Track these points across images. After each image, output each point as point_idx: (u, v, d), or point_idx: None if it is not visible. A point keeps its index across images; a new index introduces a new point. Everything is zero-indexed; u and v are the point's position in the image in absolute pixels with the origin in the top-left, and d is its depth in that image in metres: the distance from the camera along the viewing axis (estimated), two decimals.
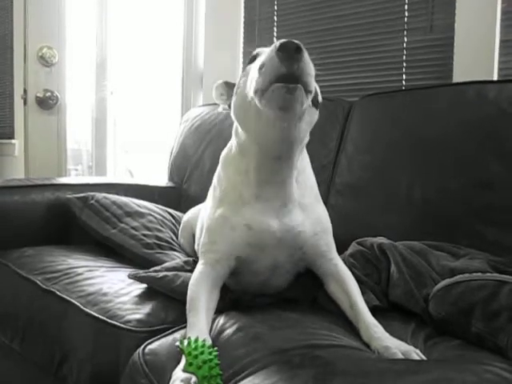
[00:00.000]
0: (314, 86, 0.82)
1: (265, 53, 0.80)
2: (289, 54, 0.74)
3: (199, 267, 0.92)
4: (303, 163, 0.97)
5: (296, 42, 0.74)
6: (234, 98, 0.92)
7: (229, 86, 0.99)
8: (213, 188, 1.02)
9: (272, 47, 0.76)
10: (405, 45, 1.71)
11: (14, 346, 1.16)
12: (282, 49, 0.74)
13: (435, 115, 1.30)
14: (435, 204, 1.21)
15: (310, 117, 0.87)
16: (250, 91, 0.82)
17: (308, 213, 0.95)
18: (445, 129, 1.26)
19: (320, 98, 0.92)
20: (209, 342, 0.76)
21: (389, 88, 1.69)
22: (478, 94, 1.24)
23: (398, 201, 1.27)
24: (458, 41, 1.57)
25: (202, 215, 1.17)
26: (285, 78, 0.75)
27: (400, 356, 0.74)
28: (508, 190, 1.12)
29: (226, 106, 1.01)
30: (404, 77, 1.72)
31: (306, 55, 0.75)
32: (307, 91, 0.78)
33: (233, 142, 0.99)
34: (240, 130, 0.93)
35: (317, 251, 0.95)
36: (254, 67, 0.82)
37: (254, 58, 0.88)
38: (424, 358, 0.74)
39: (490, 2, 1.51)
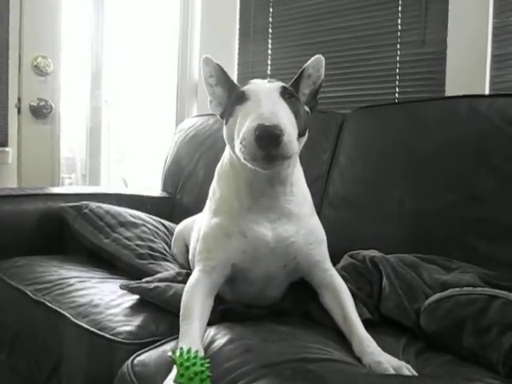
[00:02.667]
0: (297, 143, 0.83)
1: (248, 112, 0.82)
2: (267, 143, 0.77)
3: (195, 274, 0.92)
4: (297, 176, 0.99)
5: (275, 129, 0.76)
6: (225, 127, 0.93)
7: (222, 72, 0.97)
8: (208, 200, 1.04)
9: (251, 128, 0.78)
10: (398, 58, 1.73)
11: (2, 357, 1.14)
12: (259, 139, 0.76)
13: (427, 128, 1.31)
14: (427, 217, 1.21)
15: (298, 145, 0.88)
16: (235, 148, 0.84)
17: (302, 224, 0.96)
18: (436, 142, 1.27)
19: (306, 134, 0.93)
20: (201, 353, 0.76)
21: (382, 101, 1.71)
22: (470, 107, 1.25)
23: (390, 213, 1.28)
24: (451, 55, 1.59)
25: (197, 226, 1.17)
26: (264, 157, 0.79)
27: (391, 371, 0.74)
28: (499, 204, 1.12)
29: (218, 116, 1.01)
30: (397, 90, 1.74)
31: (285, 137, 0.77)
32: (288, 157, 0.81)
33: (226, 155, 1.00)
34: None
35: (311, 261, 0.96)
36: (241, 120, 0.84)
37: (241, 97, 0.88)
38: (415, 373, 0.74)
39: (482, 16, 1.53)
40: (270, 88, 0.88)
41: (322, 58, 0.98)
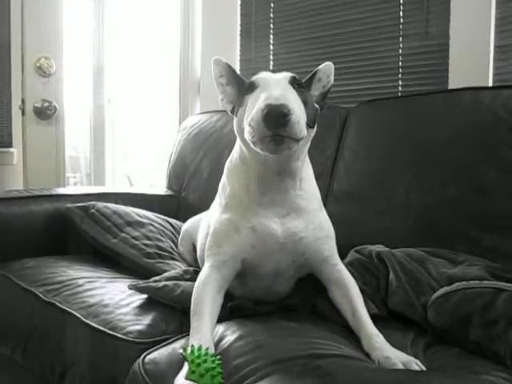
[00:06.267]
0: (306, 128, 0.84)
1: (258, 97, 0.83)
2: (275, 121, 0.77)
3: (205, 270, 0.93)
4: (307, 171, 0.99)
5: (283, 107, 0.76)
6: (235, 119, 0.94)
7: (231, 71, 1.00)
8: (218, 195, 1.04)
9: (259, 109, 0.78)
10: (401, 51, 1.72)
11: (17, 357, 1.16)
12: (267, 118, 0.77)
13: (431, 121, 1.31)
14: (432, 210, 1.22)
15: (307, 137, 0.89)
16: (245, 132, 0.84)
17: (311, 219, 0.96)
18: (440, 135, 1.26)
19: (315, 128, 0.94)
20: (212, 349, 0.76)
21: (385, 94, 1.70)
22: (474, 100, 1.25)
23: (395, 207, 1.28)
24: (454, 47, 1.59)
25: (204, 223, 1.18)
26: (272, 138, 0.79)
27: (400, 366, 0.74)
28: (503, 196, 1.12)
29: (229, 112, 1.02)
30: (400, 83, 1.73)
31: (293, 117, 0.77)
32: (296, 139, 0.81)
33: (236, 150, 1.00)
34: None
35: (319, 257, 0.96)
36: (250, 107, 0.85)
37: (251, 87, 0.89)
38: (424, 368, 0.75)
39: (484, 8, 1.52)
40: (279, 77, 0.90)
41: (332, 66, 1.01)
